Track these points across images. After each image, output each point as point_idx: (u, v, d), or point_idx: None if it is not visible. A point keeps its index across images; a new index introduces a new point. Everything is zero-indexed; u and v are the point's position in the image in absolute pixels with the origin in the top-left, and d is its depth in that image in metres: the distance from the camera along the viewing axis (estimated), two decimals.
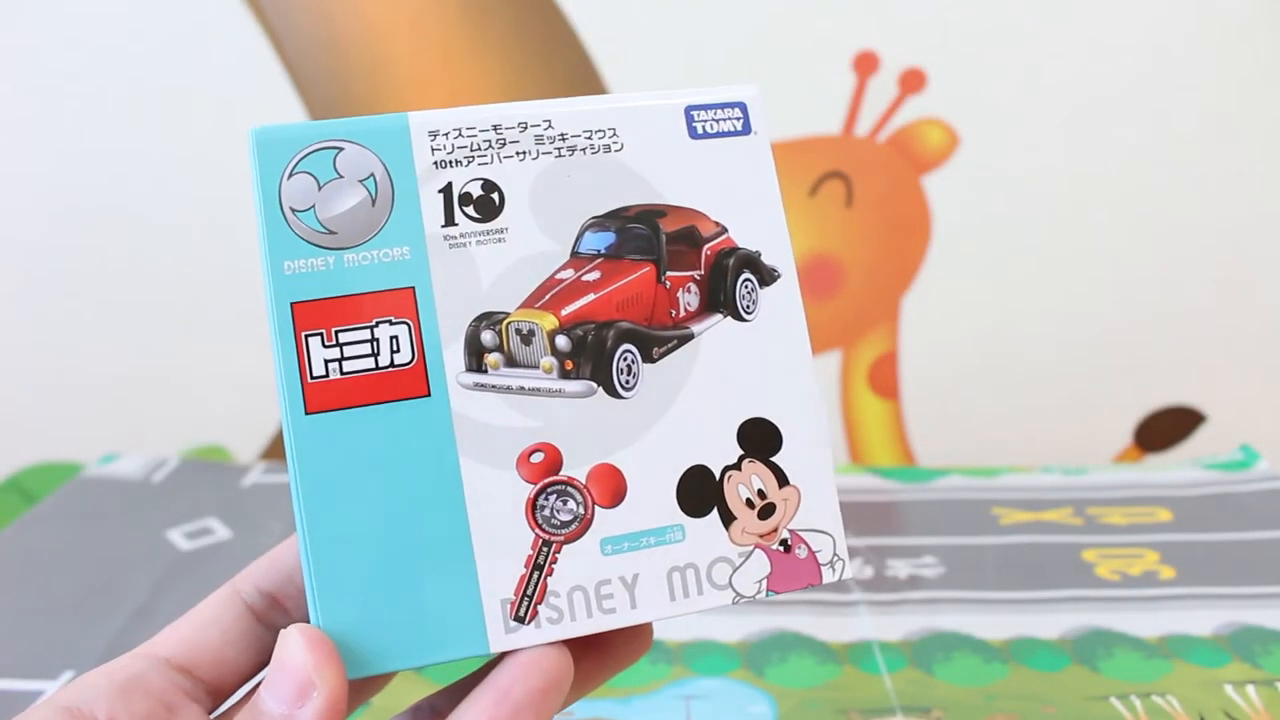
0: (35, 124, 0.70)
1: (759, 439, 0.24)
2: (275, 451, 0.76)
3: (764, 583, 0.24)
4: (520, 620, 0.22)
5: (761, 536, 0.24)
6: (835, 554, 0.24)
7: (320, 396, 0.22)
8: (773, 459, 0.24)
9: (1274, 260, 0.73)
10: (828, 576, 0.24)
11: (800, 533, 0.24)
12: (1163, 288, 0.73)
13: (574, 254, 0.23)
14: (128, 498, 0.63)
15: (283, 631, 0.22)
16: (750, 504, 0.24)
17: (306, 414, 0.22)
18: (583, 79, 0.68)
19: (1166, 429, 0.76)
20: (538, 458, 0.23)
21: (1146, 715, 0.41)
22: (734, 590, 0.24)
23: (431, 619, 0.22)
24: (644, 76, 0.69)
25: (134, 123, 0.70)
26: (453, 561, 0.22)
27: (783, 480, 0.24)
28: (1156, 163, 0.71)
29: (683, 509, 0.23)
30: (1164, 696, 0.42)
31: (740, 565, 0.24)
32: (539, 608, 0.22)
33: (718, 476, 0.24)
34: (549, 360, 0.23)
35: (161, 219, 0.72)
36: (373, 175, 0.22)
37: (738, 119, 0.25)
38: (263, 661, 0.26)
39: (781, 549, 0.24)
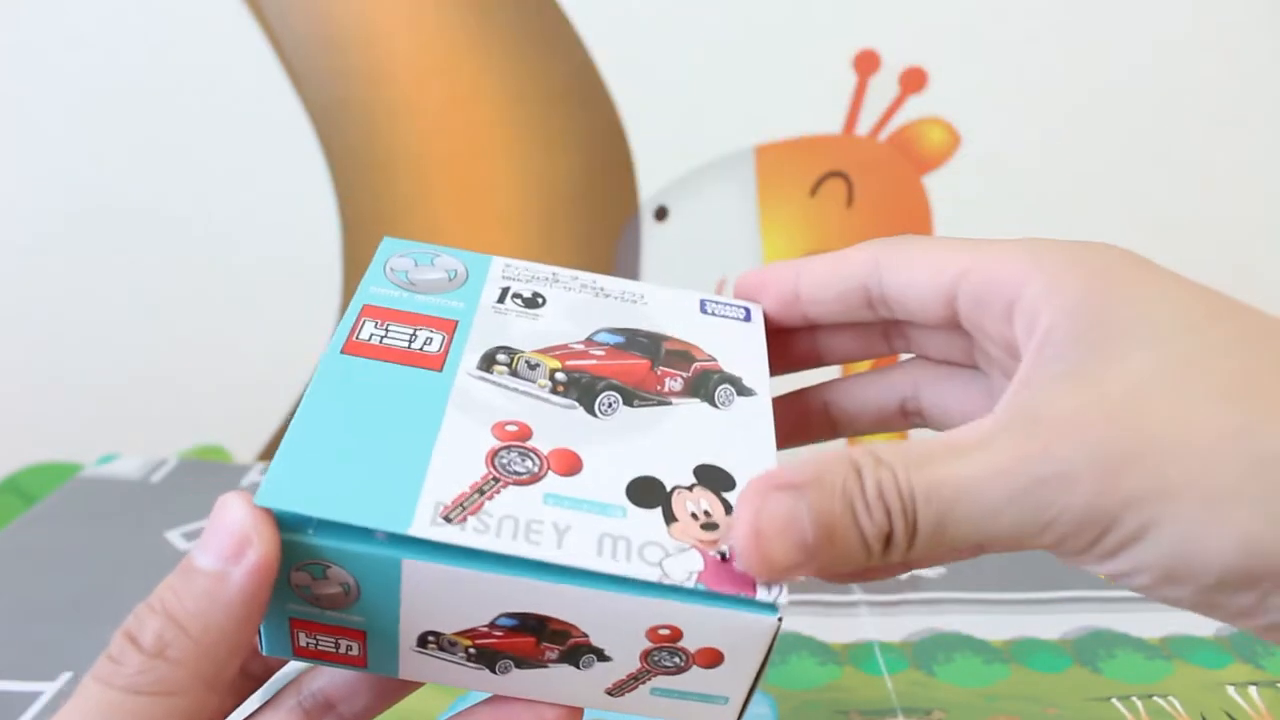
0: (35, 124, 0.70)
1: (713, 477, 0.26)
2: (274, 452, 0.76)
3: (695, 575, 0.23)
4: (448, 520, 0.23)
5: (700, 541, 0.24)
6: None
7: (357, 348, 0.27)
8: (723, 494, 0.25)
9: (1275, 260, 0.73)
10: (762, 595, 0.23)
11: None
12: None
13: (588, 339, 0.29)
14: (127, 498, 0.63)
15: (223, 497, 0.23)
16: (694, 516, 0.25)
17: (340, 353, 0.27)
18: (584, 80, 0.68)
19: None
20: (511, 428, 0.26)
21: (1148, 716, 0.41)
22: (663, 570, 0.23)
23: (368, 492, 0.23)
24: (644, 77, 0.69)
25: (132, 123, 0.70)
26: (406, 465, 0.24)
27: (729, 510, 0.25)
28: (1158, 162, 0.71)
29: (629, 499, 0.25)
30: (1165, 697, 0.42)
31: (674, 554, 0.24)
32: (470, 517, 0.23)
33: (668, 489, 0.25)
34: (545, 382, 0.27)
35: (161, 219, 0.72)
36: (456, 271, 0.31)
37: (742, 312, 0.31)
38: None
39: (719, 557, 0.24)
